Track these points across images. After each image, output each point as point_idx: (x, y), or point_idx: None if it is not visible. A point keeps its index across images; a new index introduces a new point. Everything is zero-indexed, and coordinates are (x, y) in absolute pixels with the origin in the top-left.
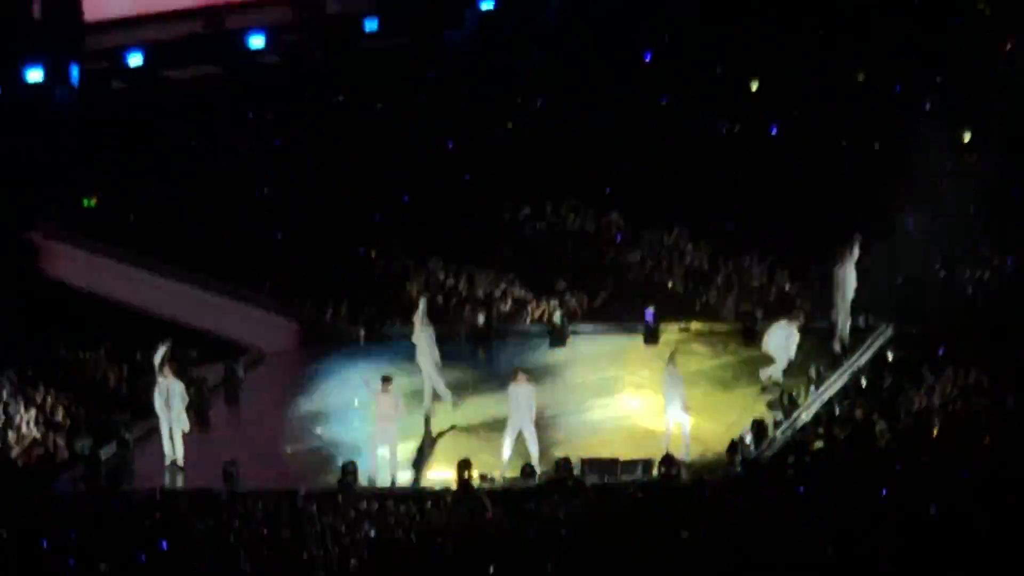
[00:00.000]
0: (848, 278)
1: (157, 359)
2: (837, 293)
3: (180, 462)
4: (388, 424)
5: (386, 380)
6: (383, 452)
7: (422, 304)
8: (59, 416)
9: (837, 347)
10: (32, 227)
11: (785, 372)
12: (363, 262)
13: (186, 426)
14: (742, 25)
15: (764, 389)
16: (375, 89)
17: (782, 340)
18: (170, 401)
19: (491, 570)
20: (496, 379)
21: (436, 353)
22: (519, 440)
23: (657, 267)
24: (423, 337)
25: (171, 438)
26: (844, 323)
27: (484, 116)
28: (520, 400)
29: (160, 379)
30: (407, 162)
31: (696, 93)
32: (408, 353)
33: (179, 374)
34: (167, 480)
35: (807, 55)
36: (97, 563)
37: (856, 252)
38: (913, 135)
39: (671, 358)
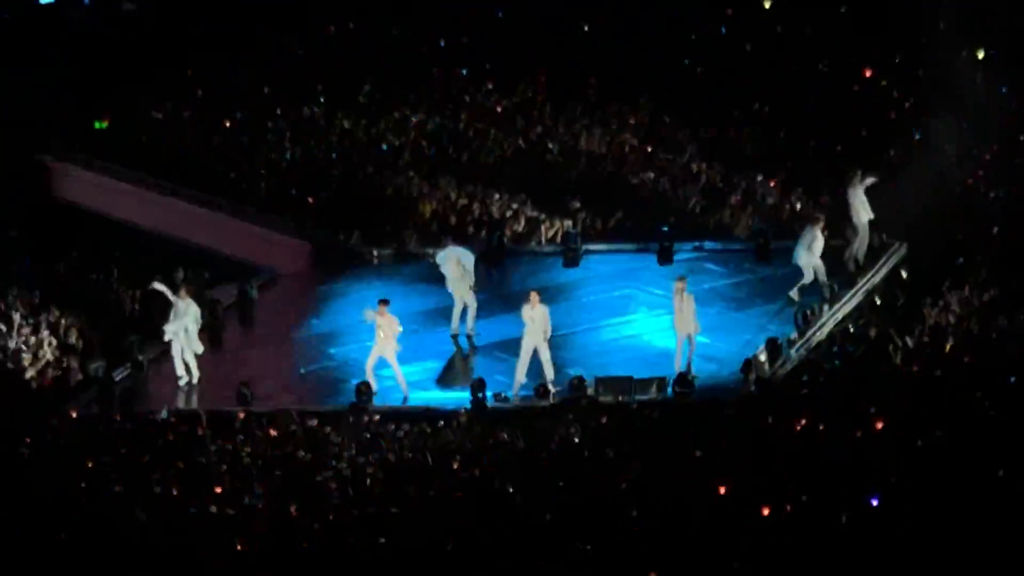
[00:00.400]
0: (856, 200)
1: (163, 286)
2: (851, 213)
3: (195, 381)
4: (389, 343)
5: (383, 302)
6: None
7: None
8: (72, 339)
9: (851, 266)
10: (44, 149)
11: (816, 282)
12: (375, 183)
13: (199, 348)
14: None
15: (791, 302)
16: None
17: (804, 249)
18: (186, 323)
19: (508, 490)
20: (509, 300)
21: (472, 279)
22: (534, 361)
23: (671, 186)
24: (462, 263)
25: (183, 360)
26: (859, 244)
27: (492, 27)
28: (536, 322)
29: (177, 301)
30: (415, 81)
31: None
32: (420, 273)
33: (195, 296)
34: (181, 402)
35: None
36: (111, 485)
37: (865, 177)
38: (931, 50)
39: (680, 279)
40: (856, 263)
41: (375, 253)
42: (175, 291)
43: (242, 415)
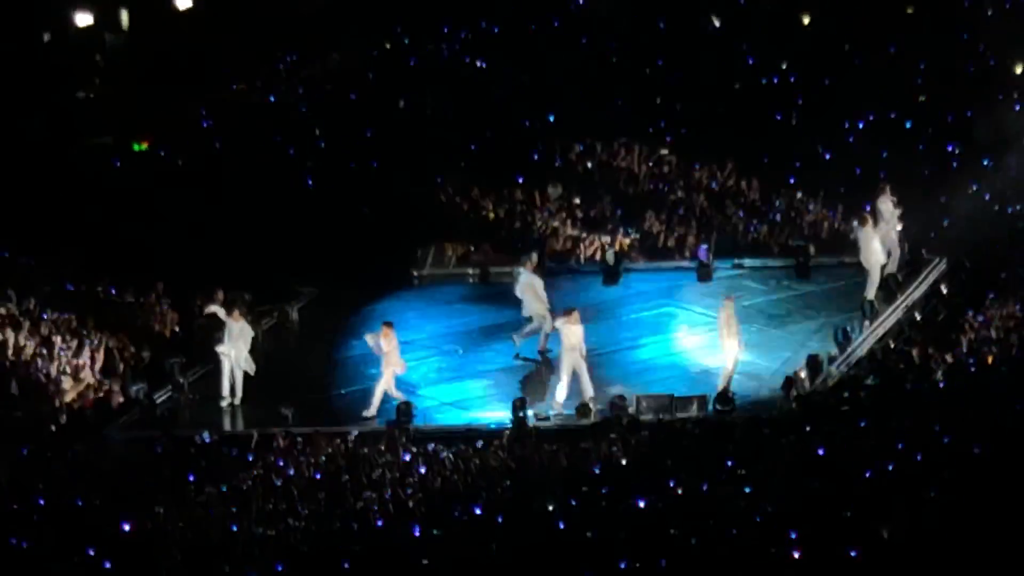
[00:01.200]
0: (884, 214)
1: (214, 308)
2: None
3: (237, 403)
4: (395, 364)
5: (388, 324)
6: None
7: (533, 257)
8: (114, 361)
9: (892, 285)
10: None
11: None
12: (415, 201)
13: (251, 368)
14: None
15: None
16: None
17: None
18: (237, 343)
19: (549, 508)
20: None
21: (545, 296)
22: (574, 379)
23: (711, 204)
24: (534, 283)
25: (232, 380)
26: (895, 259)
27: (534, 54)
28: (571, 339)
29: (231, 323)
30: (459, 99)
31: (746, 28)
32: (454, 295)
33: (246, 317)
34: (225, 423)
35: None
36: (153, 507)
37: (888, 202)
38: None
39: (728, 300)
40: (896, 280)
41: (415, 273)
42: (228, 312)
43: (283, 436)
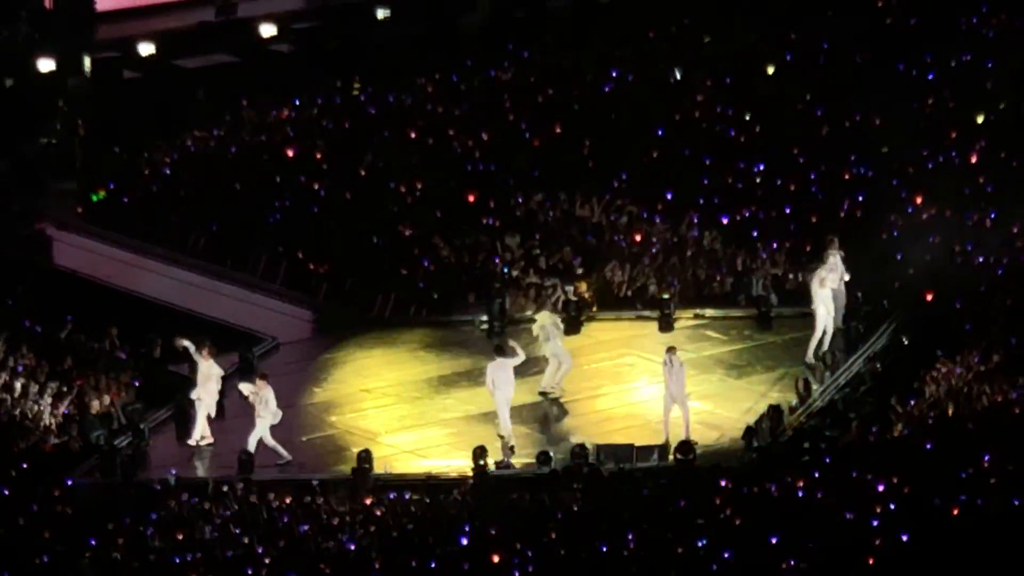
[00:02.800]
0: (829, 268)
1: (189, 344)
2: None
3: (204, 444)
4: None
5: (263, 377)
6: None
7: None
8: (73, 406)
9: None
10: (42, 218)
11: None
12: (373, 248)
13: (212, 411)
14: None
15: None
16: (386, 76)
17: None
18: (207, 384)
19: (508, 557)
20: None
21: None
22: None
23: (672, 255)
24: (552, 328)
25: (207, 421)
26: (839, 309)
27: (496, 102)
28: (499, 376)
29: (200, 362)
30: (419, 148)
31: (708, 79)
32: (417, 343)
33: (214, 356)
34: (185, 470)
35: (815, 43)
36: (111, 552)
37: (834, 255)
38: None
39: (670, 350)
40: (857, 331)
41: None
42: (198, 350)
43: (242, 484)
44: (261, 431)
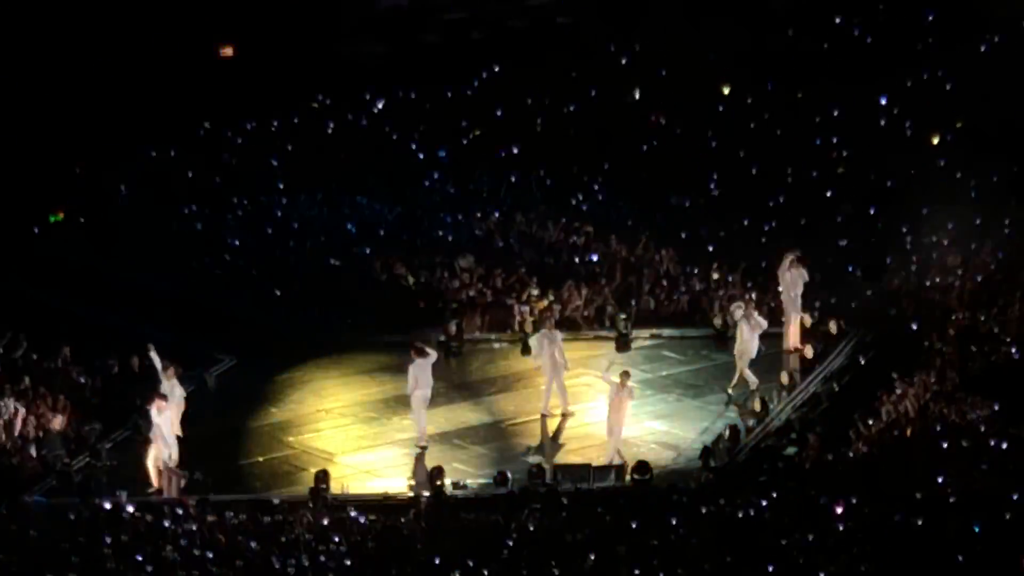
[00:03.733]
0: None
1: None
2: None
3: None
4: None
5: (162, 397)
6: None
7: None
8: (30, 428)
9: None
10: None
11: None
12: (331, 270)
13: (177, 430)
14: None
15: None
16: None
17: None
18: (170, 404)
19: None
20: (468, 388)
21: (565, 359)
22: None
23: (629, 275)
24: (554, 346)
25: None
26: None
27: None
28: (421, 377)
29: (164, 380)
30: (382, 167)
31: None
32: (374, 363)
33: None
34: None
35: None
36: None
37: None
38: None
39: (622, 376)
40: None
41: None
42: (164, 370)
43: (196, 504)
44: (162, 448)
